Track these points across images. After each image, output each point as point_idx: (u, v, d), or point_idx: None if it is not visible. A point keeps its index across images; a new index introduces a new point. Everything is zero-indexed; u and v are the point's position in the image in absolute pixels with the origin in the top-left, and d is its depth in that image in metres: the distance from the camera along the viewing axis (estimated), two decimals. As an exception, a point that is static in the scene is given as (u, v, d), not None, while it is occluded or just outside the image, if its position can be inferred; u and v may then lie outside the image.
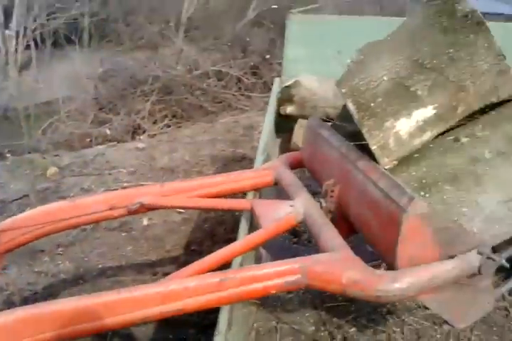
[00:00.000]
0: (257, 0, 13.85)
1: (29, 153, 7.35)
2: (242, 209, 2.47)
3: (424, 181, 2.04)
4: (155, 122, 8.52)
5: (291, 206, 2.28)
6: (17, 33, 12.54)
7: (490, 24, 5.21)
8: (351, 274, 1.79)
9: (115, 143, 7.66)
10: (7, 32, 12.89)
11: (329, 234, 2.06)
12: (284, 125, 4.66)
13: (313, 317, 2.48)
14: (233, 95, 9.94)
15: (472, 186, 2.00)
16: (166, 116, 8.69)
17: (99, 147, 7.38)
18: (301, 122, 4.41)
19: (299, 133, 4.29)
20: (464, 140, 2.14)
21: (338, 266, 1.84)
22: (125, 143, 7.63)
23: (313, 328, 2.47)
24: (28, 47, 12.49)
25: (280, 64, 6.16)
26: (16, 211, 5.42)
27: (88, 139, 8.03)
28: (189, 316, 3.84)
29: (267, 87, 9.25)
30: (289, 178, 2.58)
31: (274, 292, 1.85)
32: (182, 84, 9.25)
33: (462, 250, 1.82)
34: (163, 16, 14.41)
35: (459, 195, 1.98)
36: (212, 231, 4.57)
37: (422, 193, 1.99)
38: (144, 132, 8.07)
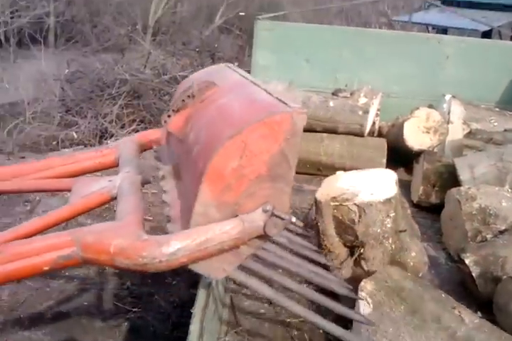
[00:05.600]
0: (225, 6, 13.94)
1: (-7, 154, 7.26)
2: (63, 190, 2.26)
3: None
4: (123, 126, 8.45)
5: (109, 181, 2.09)
6: (-21, 30, 12.34)
7: (452, 38, 5.45)
8: (119, 242, 1.61)
9: (82, 147, 7.58)
10: (-31, 29, 12.67)
11: (125, 204, 1.89)
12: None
13: (282, 336, 2.52)
14: (203, 101, 9.81)
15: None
16: (134, 120, 8.63)
17: (66, 150, 7.25)
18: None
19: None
20: None
21: (109, 235, 1.65)
22: (93, 147, 7.44)
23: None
24: (-9, 45, 12.30)
25: (249, 72, 6.20)
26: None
27: (55, 142, 7.94)
28: (159, 329, 3.92)
29: (236, 94, 9.28)
30: (128, 155, 2.36)
31: (48, 268, 1.66)
32: (150, 88, 9.21)
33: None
34: (130, 19, 14.37)
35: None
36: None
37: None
38: (111, 136, 7.98)
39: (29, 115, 8.45)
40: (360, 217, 2.41)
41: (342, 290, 2.07)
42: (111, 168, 2.44)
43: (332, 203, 2.46)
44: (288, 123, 1.69)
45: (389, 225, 2.45)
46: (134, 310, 4.03)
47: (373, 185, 2.57)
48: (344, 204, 2.44)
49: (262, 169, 1.71)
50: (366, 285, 2.24)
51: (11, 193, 2.75)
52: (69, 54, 12.03)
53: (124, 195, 1.95)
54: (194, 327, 1.85)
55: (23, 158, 6.69)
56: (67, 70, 10.21)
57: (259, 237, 1.77)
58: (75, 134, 8.09)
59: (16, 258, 1.62)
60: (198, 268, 1.75)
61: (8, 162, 6.45)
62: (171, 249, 1.58)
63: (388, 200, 2.44)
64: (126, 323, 3.93)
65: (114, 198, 2.00)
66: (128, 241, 1.61)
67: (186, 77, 10.51)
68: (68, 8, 15.00)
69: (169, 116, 2.20)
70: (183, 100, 2.18)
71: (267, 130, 1.68)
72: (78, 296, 4.19)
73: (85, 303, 4.12)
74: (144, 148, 2.53)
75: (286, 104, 1.75)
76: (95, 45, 13.46)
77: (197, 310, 1.93)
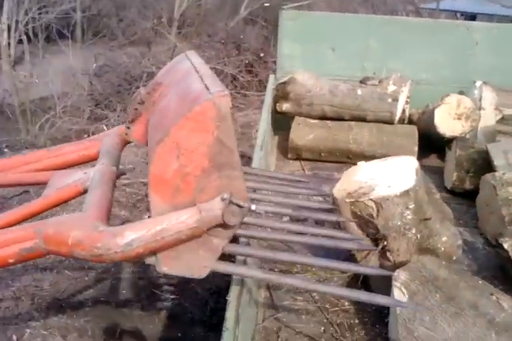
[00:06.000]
0: (249, -2, 13.93)
1: (27, 148, 7.40)
2: (42, 183, 2.19)
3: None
4: (152, 119, 8.47)
5: (84, 173, 2.04)
6: (8, 26, 12.49)
7: (481, 25, 5.37)
8: (77, 234, 1.60)
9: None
10: (-2, 25, 12.87)
11: (91, 195, 1.86)
12: (281, 122, 4.74)
13: (320, 321, 2.53)
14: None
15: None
16: (162, 112, 8.67)
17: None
18: (297, 120, 4.50)
19: (297, 130, 4.40)
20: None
21: (68, 227, 1.65)
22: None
23: (320, 331, 2.41)
24: (20, 41, 12.45)
25: (275, 62, 6.16)
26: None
27: (86, 135, 8.02)
28: (197, 315, 3.99)
29: (263, 85, 9.26)
30: (108, 147, 2.28)
31: (13, 261, 1.68)
32: (177, 81, 9.24)
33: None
34: (156, 12, 14.44)
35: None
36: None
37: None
38: (141, 129, 8.02)
39: (59, 109, 8.58)
40: (378, 211, 2.38)
41: (353, 245, 2.04)
42: (93, 160, 2.36)
43: (348, 200, 2.44)
44: (212, 110, 1.61)
45: (409, 217, 2.42)
46: (171, 297, 4.10)
47: (392, 176, 2.52)
48: (360, 200, 2.41)
49: (204, 162, 1.67)
50: (400, 276, 2.23)
51: None
52: (96, 48, 12.17)
53: (93, 186, 1.92)
54: (230, 314, 1.87)
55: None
56: (94, 65, 10.33)
57: (226, 227, 1.73)
58: (105, 127, 8.19)
59: None
60: (179, 271, 1.75)
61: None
62: (126, 239, 1.57)
63: (406, 193, 2.39)
64: (164, 310, 4.01)
65: (87, 190, 1.96)
66: (84, 233, 1.61)
67: (213, 69, 10.66)
68: (94, 2, 15.14)
69: (128, 127, 2.19)
70: (136, 108, 2.16)
71: (193, 123, 1.62)
72: (116, 285, 4.27)
73: (123, 291, 4.21)
74: (128, 140, 2.44)
75: (208, 89, 1.67)
76: (122, 39, 13.58)
77: (232, 298, 1.95)
